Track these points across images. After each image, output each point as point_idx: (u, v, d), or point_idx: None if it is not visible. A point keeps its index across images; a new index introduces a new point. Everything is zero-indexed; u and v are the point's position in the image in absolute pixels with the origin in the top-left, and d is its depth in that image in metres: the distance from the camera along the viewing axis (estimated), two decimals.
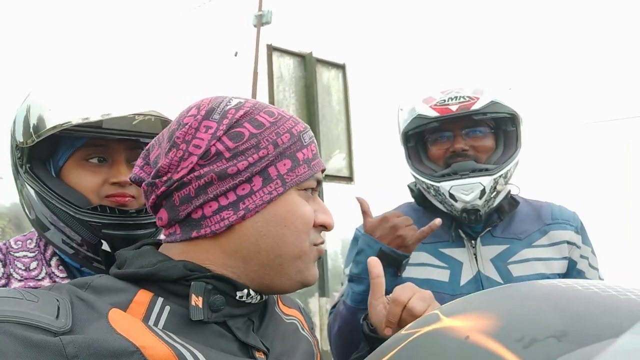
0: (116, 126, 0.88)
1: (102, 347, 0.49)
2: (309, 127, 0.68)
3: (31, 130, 0.87)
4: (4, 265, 0.91)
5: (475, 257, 1.19)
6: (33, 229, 0.96)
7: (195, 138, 0.60)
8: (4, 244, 0.94)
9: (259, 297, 0.64)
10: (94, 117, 0.84)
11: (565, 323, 0.34)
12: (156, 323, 0.56)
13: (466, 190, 1.12)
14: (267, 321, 0.68)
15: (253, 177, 0.60)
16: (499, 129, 1.22)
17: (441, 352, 0.37)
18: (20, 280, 0.89)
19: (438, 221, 1.08)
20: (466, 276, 1.17)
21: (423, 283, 1.16)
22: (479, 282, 1.16)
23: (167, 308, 0.58)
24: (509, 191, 1.24)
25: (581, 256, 1.22)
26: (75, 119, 0.84)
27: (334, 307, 1.25)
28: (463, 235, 1.21)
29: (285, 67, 3.63)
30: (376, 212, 1.39)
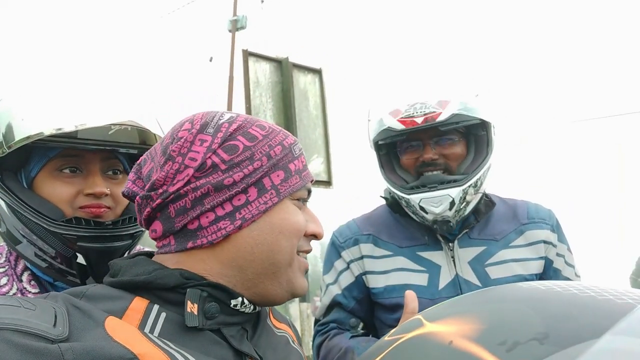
0: (91, 136, 0.86)
1: (100, 354, 0.50)
2: (297, 140, 0.70)
3: (1, 140, 0.84)
4: None
5: (453, 260, 1.19)
6: (2, 243, 0.93)
7: (190, 151, 0.62)
8: None
9: (252, 307, 0.65)
10: (68, 127, 0.82)
11: (546, 325, 0.34)
12: (152, 330, 0.56)
13: (435, 203, 1.14)
14: (259, 331, 0.69)
15: (248, 188, 0.62)
16: (469, 134, 1.23)
17: (425, 357, 0.37)
18: None
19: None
20: (444, 280, 1.18)
21: (402, 288, 1.16)
22: (457, 286, 1.17)
23: (163, 315, 0.58)
24: (484, 193, 1.25)
25: (557, 254, 1.24)
26: (49, 129, 0.81)
27: (322, 323, 1.25)
28: (440, 238, 1.22)
29: (262, 72, 3.61)
30: (355, 214, 1.39)
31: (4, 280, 0.89)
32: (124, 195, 0.68)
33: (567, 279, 1.25)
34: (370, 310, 1.25)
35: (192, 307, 0.58)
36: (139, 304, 0.58)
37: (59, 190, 0.87)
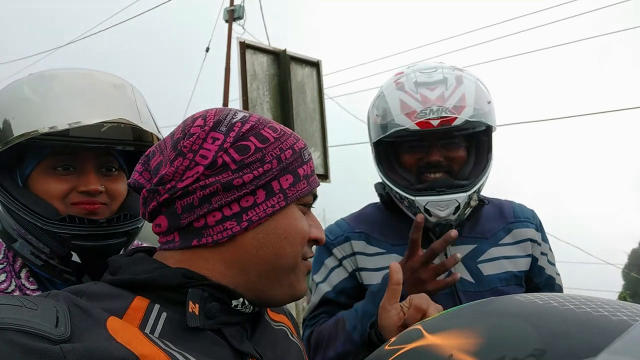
0: (85, 134, 0.86)
1: (102, 355, 0.50)
2: (307, 144, 0.70)
3: None
4: None
5: (446, 258, 1.21)
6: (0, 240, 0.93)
7: (202, 148, 0.62)
8: None
9: (252, 308, 0.65)
10: (62, 125, 0.82)
11: (543, 341, 0.35)
12: (153, 329, 0.57)
13: (442, 207, 1.14)
14: (259, 330, 0.70)
15: (257, 190, 0.62)
16: (472, 138, 1.24)
17: None
18: None
19: (454, 233, 1.08)
20: (438, 277, 1.19)
21: None
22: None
23: (164, 315, 0.58)
24: None
25: (541, 253, 1.27)
26: (43, 127, 0.81)
27: (311, 318, 1.25)
28: (432, 237, 1.22)
29: (259, 64, 3.59)
30: (351, 210, 1.39)
31: (2, 276, 0.89)
32: (129, 185, 0.68)
33: (550, 276, 1.29)
34: None
35: (193, 308, 0.58)
36: (139, 303, 0.58)
37: (52, 187, 0.87)
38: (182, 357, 0.55)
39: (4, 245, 0.93)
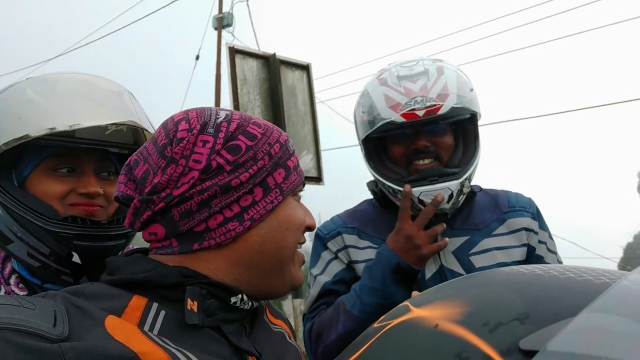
0: (90, 135, 0.86)
1: (101, 353, 0.49)
2: (292, 139, 0.71)
3: None
4: None
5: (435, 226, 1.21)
6: None
7: (194, 153, 0.61)
8: None
9: (250, 303, 0.66)
10: (64, 127, 0.82)
11: (527, 306, 0.36)
12: (152, 328, 0.56)
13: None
14: (257, 327, 0.70)
15: (254, 188, 0.63)
16: (458, 127, 1.24)
17: (412, 341, 0.38)
18: None
19: (441, 227, 1.14)
20: (430, 270, 1.19)
21: None
22: (443, 275, 1.18)
23: (163, 313, 0.58)
24: None
25: (539, 241, 1.25)
26: (43, 129, 0.81)
27: (311, 310, 1.25)
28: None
29: (249, 69, 3.60)
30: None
31: None
32: (116, 199, 0.67)
33: None
34: None
35: (192, 305, 0.58)
36: (137, 302, 0.58)
37: (51, 188, 0.86)
38: (182, 355, 0.55)
39: None
